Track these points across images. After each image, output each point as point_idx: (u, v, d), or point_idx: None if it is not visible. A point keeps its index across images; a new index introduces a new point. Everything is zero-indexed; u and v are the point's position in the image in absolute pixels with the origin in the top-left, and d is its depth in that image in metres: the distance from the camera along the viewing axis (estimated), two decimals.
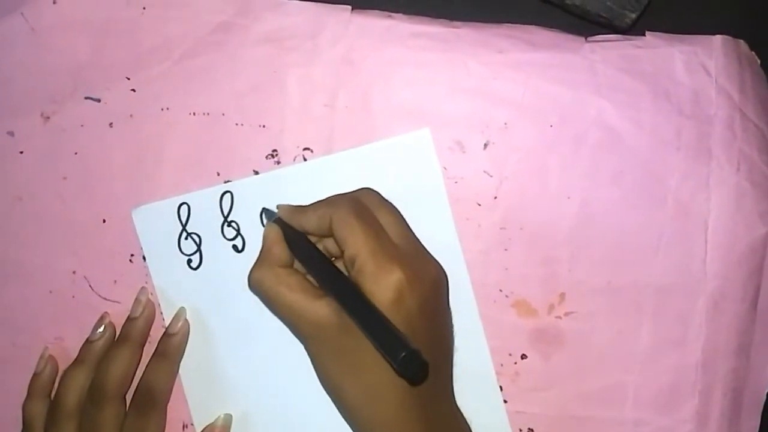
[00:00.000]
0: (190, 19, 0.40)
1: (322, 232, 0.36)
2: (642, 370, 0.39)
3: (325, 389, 0.36)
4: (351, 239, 0.34)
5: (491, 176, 0.40)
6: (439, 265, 0.37)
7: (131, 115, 0.41)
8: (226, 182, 0.40)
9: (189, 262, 0.40)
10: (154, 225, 0.40)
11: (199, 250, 0.40)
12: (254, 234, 0.40)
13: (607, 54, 0.39)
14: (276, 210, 0.38)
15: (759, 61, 0.40)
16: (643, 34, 0.40)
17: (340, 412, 0.36)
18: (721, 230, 0.39)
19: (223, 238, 0.40)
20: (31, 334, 0.41)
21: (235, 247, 0.40)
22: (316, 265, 0.36)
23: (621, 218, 0.39)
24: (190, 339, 0.40)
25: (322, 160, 0.40)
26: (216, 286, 0.40)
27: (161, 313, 0.41)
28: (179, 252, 0.40)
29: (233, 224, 0.40)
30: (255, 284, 0.36)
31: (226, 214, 0.40)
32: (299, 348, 0.40)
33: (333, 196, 0.37)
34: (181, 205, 0.40)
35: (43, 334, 0.41)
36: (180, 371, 0.40)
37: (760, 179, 0.39)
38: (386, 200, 0.37)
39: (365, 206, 0.36)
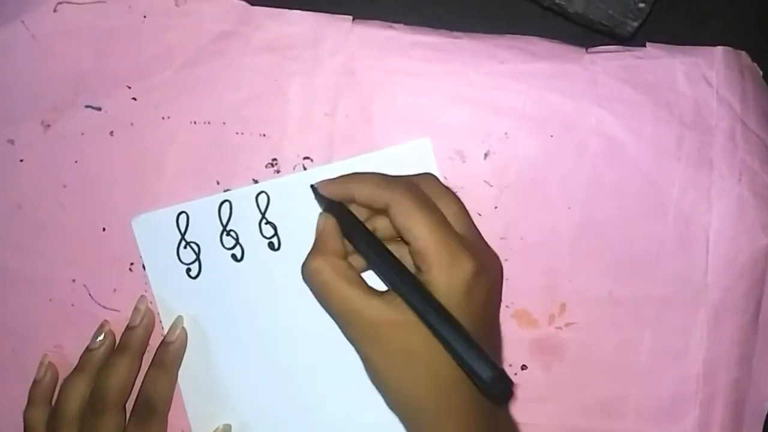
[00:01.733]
0: (191, 28, 0.40)
1: (374, 208, 0.35)
2: (643, 381, 0.39)
3: (380, 387, 0.34)
4: (415, 230, 0.33)
5: (492, 186, 0.40)
6: (499, 259, 0.37)
7: (132, 124, 0.41)
8: (225, 191, 0.40)
9: (188, 271, 0.40)
10: (153, 234, 0.40)
11: (198, 259, 0.40)
12: (253, 243, 0.40)
13: (608, 65, 0.39)
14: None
15: (761, 72, 0.40)
16: (644, 45, 0.40)
17: (394, 407, 0.34)
18: (723, 241, 0.39)
19: (222, 247, 0.40)
20: (31, 342, 0.41)
21: (234, 256, 0.40)
22: (380, 261, 0.34)
23: (622, 228, 0.39)
24: (189, 348, 0.40)
25: (323, 169, 0.40)
26: (215, 295, 0.40)
27: (160, 322, 0.40)
28: (178, 261, 0.40)
29: (232, 233, 0.40)
30: (311, 274, 0.34)
31: (224, 223, 0.40)
32: (298, 357, 0.40)
33: (391, 176, 0.35)
34: (180, 213, 0.40)
35: (43, 342, 0.41)
36: (179, 381, 0.40)
37: (761, 190, 0.39)
38: (448, 188, 0.36)
39: (426, 195, 0.34)
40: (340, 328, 0.35)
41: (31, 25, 0.40)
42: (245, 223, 0.40)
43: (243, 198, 0.40)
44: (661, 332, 0.39)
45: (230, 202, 0.40)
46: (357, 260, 0.36)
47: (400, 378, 0.33)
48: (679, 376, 0.39)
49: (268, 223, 0.40)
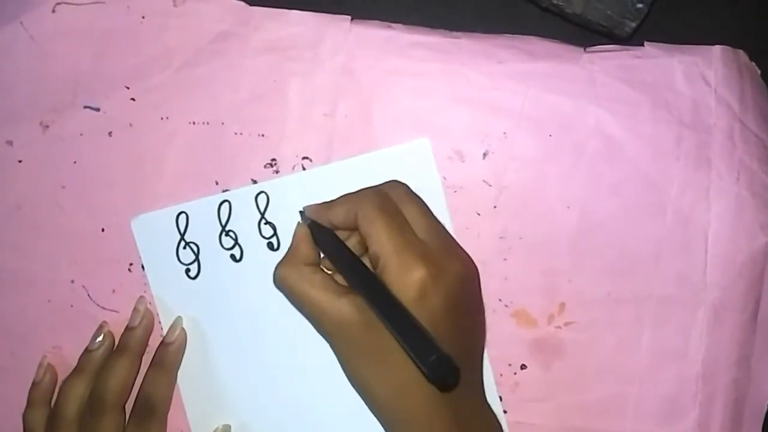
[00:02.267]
0: (190, 29, 0.40)
1: (349, 227, 0.36)
2: (642, 381, 0.39)
3: (353, 386, 0.35)
4: (374, 236, 0.34)
5: (491, 186, 0.40)
6: (469, 258, 0.36)
7: (130, 124, 0.41)
8: (224, 191, 0.40)
9: (187, 271, 0.40)
10: (152, 234, 0.40)
11: (197, 259, 0.40)
12: (252, 243, 0.40)
13: (606, 64, 0.39)
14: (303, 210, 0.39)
15: (759, 72, 0.40)
16: (642, 45, 0.40)
17: (369, 408, 0.35)
18: (722, 240, 0.39)
19: (221, 248, 0.40)
20: (30, 343, 0.41)
21: (233, 256, 0.40)
22: (343, 263, 0.35)
23: (621, 228, 0.39)
24: (188, 349, 0.40)
25: (321, 169, 0.40)
26: (214, 296, 0.40)
27: (159, 322, 0.40)
28: (177, 261, 0.40)
29: (231, 233, 0.40)
30: (279, 280, 0.36)
31: (224, 223, 0.40)
32: (298, 358, 0.40)
33: (361, 189, 0.37)
34: (179, 214, 0.40)
35: (42, 343, 0.41)
36: (178, 381, 0.40)
37: (760, 189, 0.39)
38: (413, 193, 0.37)
39: (391, 200, 0.35)
40: (315, 328, 0.36)
41: (29, 26, 0.40)
42: (244, 223, 0.40)
43: (242, 198, 0.40)
44: (661, 332, 0.39)
45: (229, 203, 0.40)
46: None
47: (369, 378, 0.34)
48: (679, 376, 0.39)
49: (267, 223, 0.40)
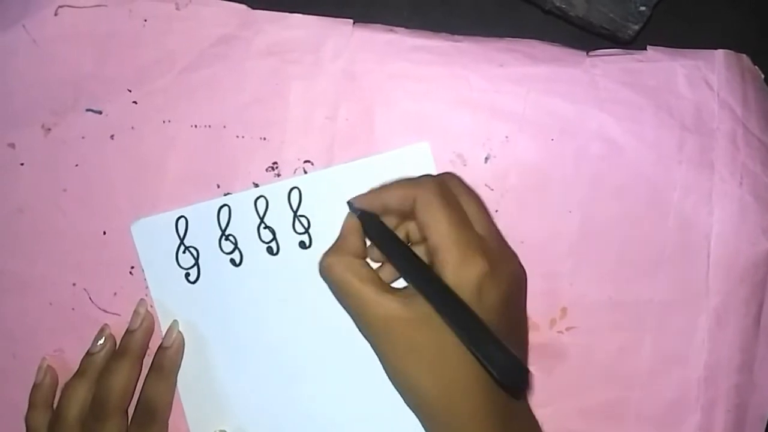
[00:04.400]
0: (193, 32, 0.40)
1: (404, 211, 0.35)
2: (644, 385, 0.39)
3: (397, 386, 0.35)
4: (434, 226, 0.33)
5: (492, 189, 0.40)
6: (520, 263, 0.36)
7: (132, 128, 0.41)
8: (225, 195, 0.40)
9: (187, 275, 0.40)
10: (152, 238, 0.40)
11: (196, 263, 0.40)
12: (251, 247, 0.40)
13: (609, 68, 0.39)
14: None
15: (762, 76, 0.40)
16: (645, 48, 0.40)
17: (412, 407, 0.35)
18: (724, 245, 0.39)
19: (220, 252, 0.40)
20: (31, 346, 0.41)
21: (232, 260, 0.40)
22: (398, 254, 0.34)
23: (623, 232, 0.39)
24: (187, 353, 0.40)
25: (320, 173, 0.40)
26: (214, 300, 0.40)
27: (159, 326, 0.40)
28: (177, 265, 0.40)
29: (231, 238, 0.40)
30: (326, 269, 0.35)
31: (223, 227, 0.40)
32: (296, 362, 0.40)
33: (419, 176, 0.36)
34: (179, 218, 0.40)
35: (43, 345, 0.41)
36: (178, 385, 0.40)
37: (763, 193, 0.39)
38: (470, 187, 0.36)
39: (451, 191, 0.35)
40: (356, 324, 0.35)
41: (32, 29, 0.41)
42: (244, 227, 0.40)
43: (241, 202, 0.40)
44: (662, 336, 0.39)
45: (229, 207, 0.40)
46: (389, 268, 0.37)
47: (413, 377, 0.33)
48: (681, 381, 0.39)
49: (266, 227, 0.40)
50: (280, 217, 0.40)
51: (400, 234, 0.36)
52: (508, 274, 0.34)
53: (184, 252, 0.40)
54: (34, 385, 0.40)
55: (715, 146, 0.39)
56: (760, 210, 0.39)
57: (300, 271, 0.39)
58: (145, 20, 0.40)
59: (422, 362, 0.33)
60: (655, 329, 0.39)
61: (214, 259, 0.40)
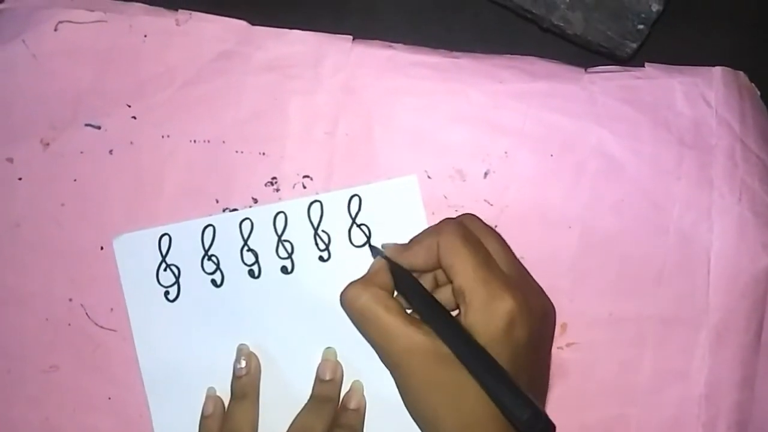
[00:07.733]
0: (192, 47, 0.41)
1: (431, 266, 0.35)
2: (645, 402, 0.39)
3: (416, 418, 0.34)
4: (458, 267, 0.33)
5: (492, 205, 0.40)
6: (547, 297, 0.36)
7: (131, 143, 0.41)
8: (224, 210, 0.40)
9: (166, 293, 0.40)
10: (133, 254, 0.40)
11: (177, 282, 0.40)
12: (233, 269, 0.40)
13: (607, 85, 0.40)
14: (382, 248, 0.38)
15: (759, 93, 0.41)
16: (643, 65, 0.40)
17: None
18: (724, 261, 0.39)
19: (202, 272, 0.40)
20: (26, 362, 0.40)
21: (213, 281, 0.40)
22: (424, 304, 0.34)
23: (622, 248, 0.39)
24: (163, 371, 0.39)
25: (306, 200, 0.40)
26: (192, 319, 0.40)
27: (134, 343, 0.40)
28: (157, 283, 0.40)
29: (213, 258, 0.40)
30: (350, 300, 0.34)
31: (206, 247, 0.40)
32: (275, 385, 0.39)
33: (438, 222, 0.36)
34: (162, 236, 0.40)
35: (38, 361, 0.40)
36: (149, 403, 0.39)
37: (762, 210, 0.39)
38: (489, 226, 0.36)
39: (471, 232, 0.35)
40: (378, 354, 0.35)
41: (31, 44, 0.41)
42: (227, 248, 0.40)
43: (226, 224, 0.40)
44: (663, 353, 0.39)
45: (213, 227, 0.40)
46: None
47: (431, 409, 0.33)
48: (681, 397, 0.39)
49: (249, 250, 0.40)
50: (263, 241, 0.40)
51: (428, 278, 0.36)
52: (538, 310, 0.34)
53: (165, 269, 0.40)
54: (203, 416, 0.39)
55: (714, 162, 0.39)
56: (760, 226, 0.39)
57: (280, 295, 0.39)
58: (145, 35, 0.41)
59: (442, 396, 0.33)
60: (656, 345, 0.39)
61: (195, 279, 0.40)
